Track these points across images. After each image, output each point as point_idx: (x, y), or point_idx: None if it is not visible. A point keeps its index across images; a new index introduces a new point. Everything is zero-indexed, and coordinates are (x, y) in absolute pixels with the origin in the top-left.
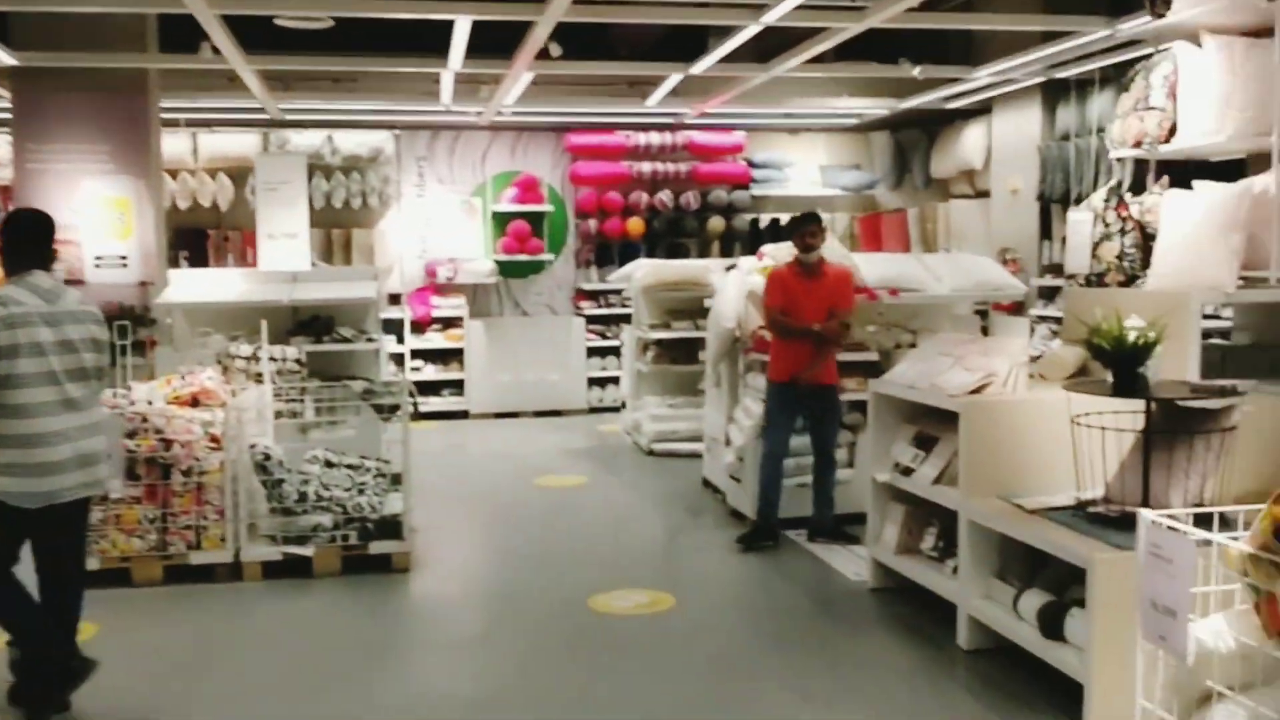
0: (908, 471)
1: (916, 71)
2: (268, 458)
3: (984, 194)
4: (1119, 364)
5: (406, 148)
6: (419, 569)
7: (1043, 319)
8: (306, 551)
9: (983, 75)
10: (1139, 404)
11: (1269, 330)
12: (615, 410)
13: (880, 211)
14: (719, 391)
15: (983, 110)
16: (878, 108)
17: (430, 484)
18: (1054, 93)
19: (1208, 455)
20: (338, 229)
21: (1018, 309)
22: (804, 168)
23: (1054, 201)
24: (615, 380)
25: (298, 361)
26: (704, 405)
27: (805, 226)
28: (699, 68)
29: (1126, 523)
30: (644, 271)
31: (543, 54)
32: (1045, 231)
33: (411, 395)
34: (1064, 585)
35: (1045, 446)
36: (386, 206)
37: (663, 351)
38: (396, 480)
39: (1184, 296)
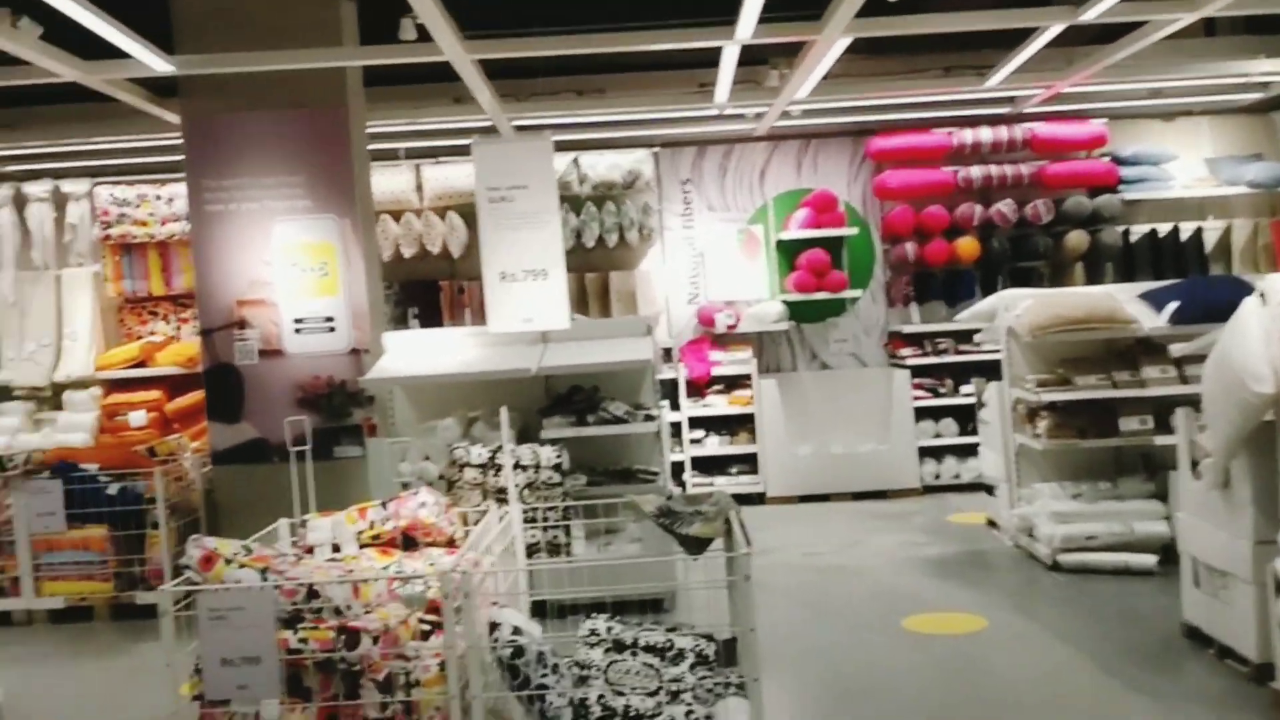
0: None
1: None
2: (518, 652)
3: None
4: None
5: (668, 169)
6: None
7: None
8: None
9: None
10: None
11: None
12: (959, 490)
13: None
14: (1226, 495)
15: None
16: None
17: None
18: None
19: None
20: (591, 273)
21: None
22: (1185, 162)
23: None
24: (955, 451)
25: (557, 468)
26: (1124, 498)
27: None
28: (1093, 11)
29: None
30: (1026, 306)
31: (869, 8)
32: None
33: (738, 525)
34: None
35: None
36: (648, 242)
37: (1063, 421)
38: (727, 657)
39: None
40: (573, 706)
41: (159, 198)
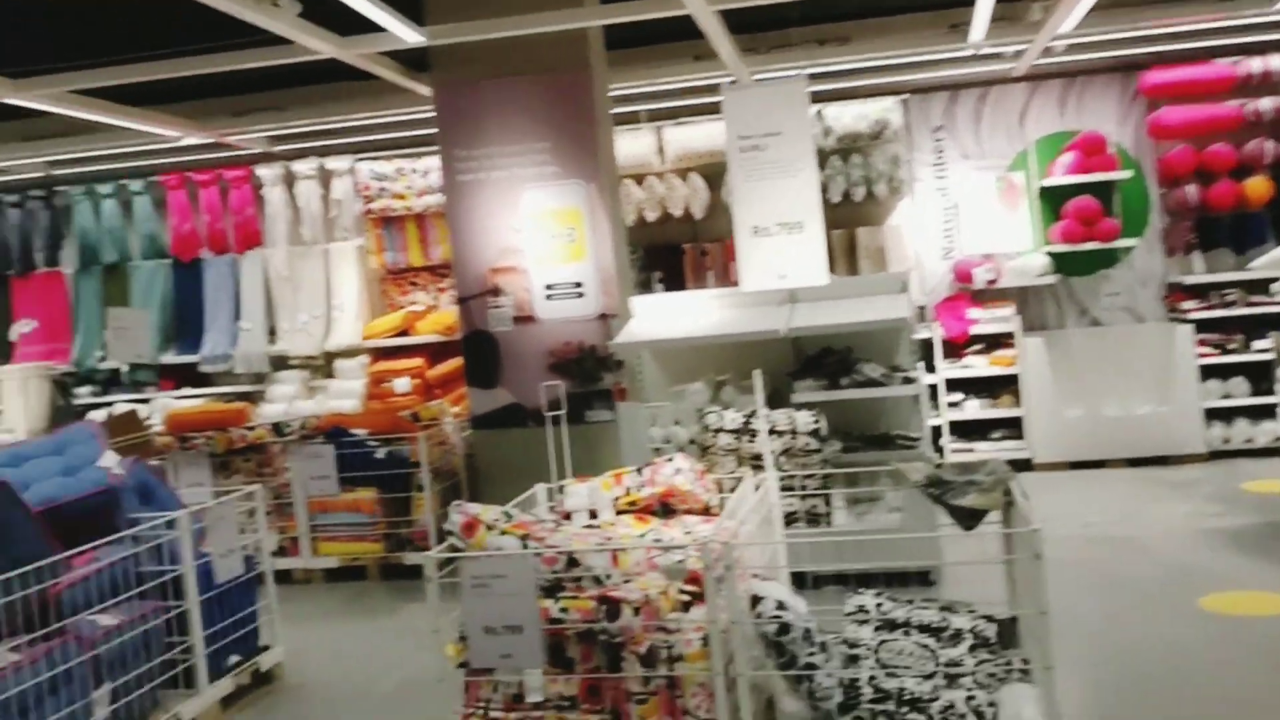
0: None
1: None
2: (784, 629)
3: None
4: None
5: (918, 116)
6: None
7: None
8: None
9: None
10: None
11: None
12: (1252, 455)
13: None
14: None
15: None
16: None
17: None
18: None
19: None
20: (837, 229)
21: None
22: None
23: None
24: (1248, 412)
25: (815, 434)
26: None
27: None
28: None
29: None
30: None
31: None
32: None
33: (1021, 497)
34: None
35: None
36: (897, 195)
37: None
38: (1008, 639)
39: None
40: (842, 687)
41: (415, 171)
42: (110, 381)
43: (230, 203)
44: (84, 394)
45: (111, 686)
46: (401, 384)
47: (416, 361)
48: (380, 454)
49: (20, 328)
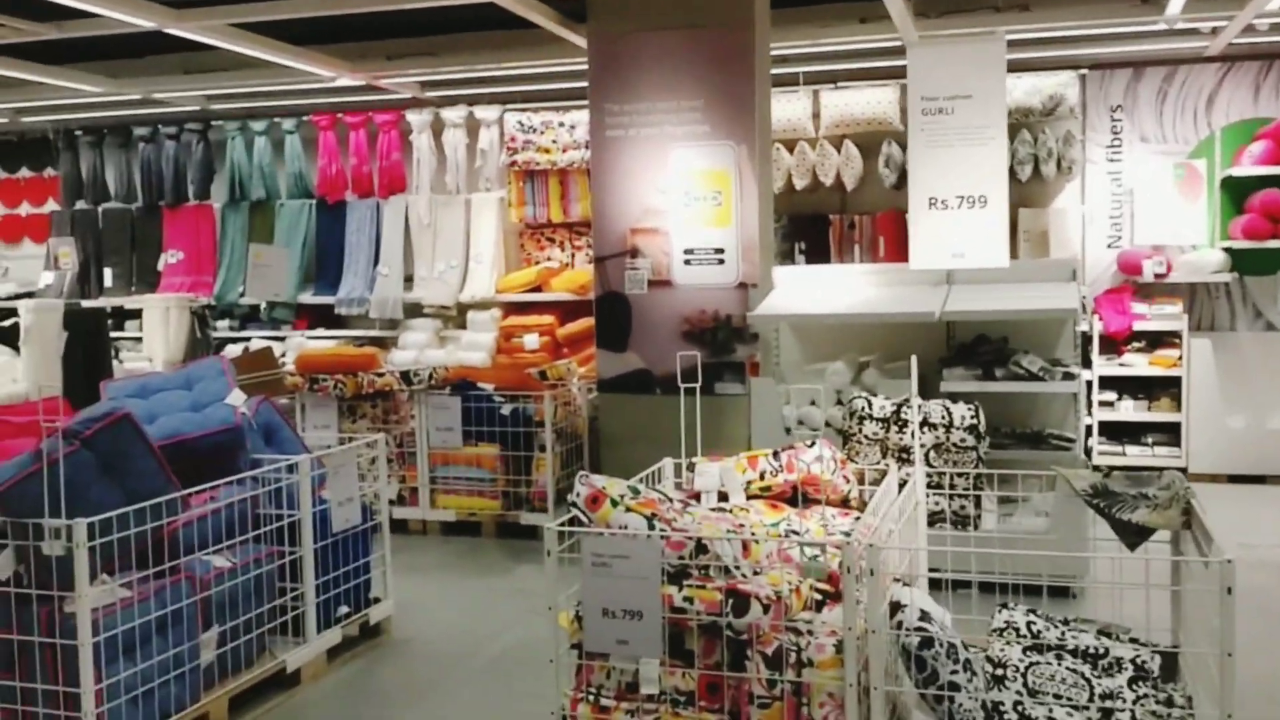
0: None
1: None
2: (927, 642)
3: None
4: None
5: (1096, 93)
6: None
7: None
8: None
9: None
10: None
11: None
12: None
13: None
14: None
15: None
16: None
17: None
18: None
19: None
20: None
21: None
22: None
23: None
24: None
25: (972, 430)
26: None
27: None
28: None
29: None
30: None
31: None
32: None
33: (1202, 517)
34: None
35: None
36: (1066, 176)
37: None
38: (1167, 672)
39: None
40: (984, 711)
41: (562, 125)
42: (249, 317)
43: (378, 146)
44: (222, 327)
45: (220, 630)
46: (531, 340)
47: (548, 319)
48: (505, 410)
49: (167, 258)
